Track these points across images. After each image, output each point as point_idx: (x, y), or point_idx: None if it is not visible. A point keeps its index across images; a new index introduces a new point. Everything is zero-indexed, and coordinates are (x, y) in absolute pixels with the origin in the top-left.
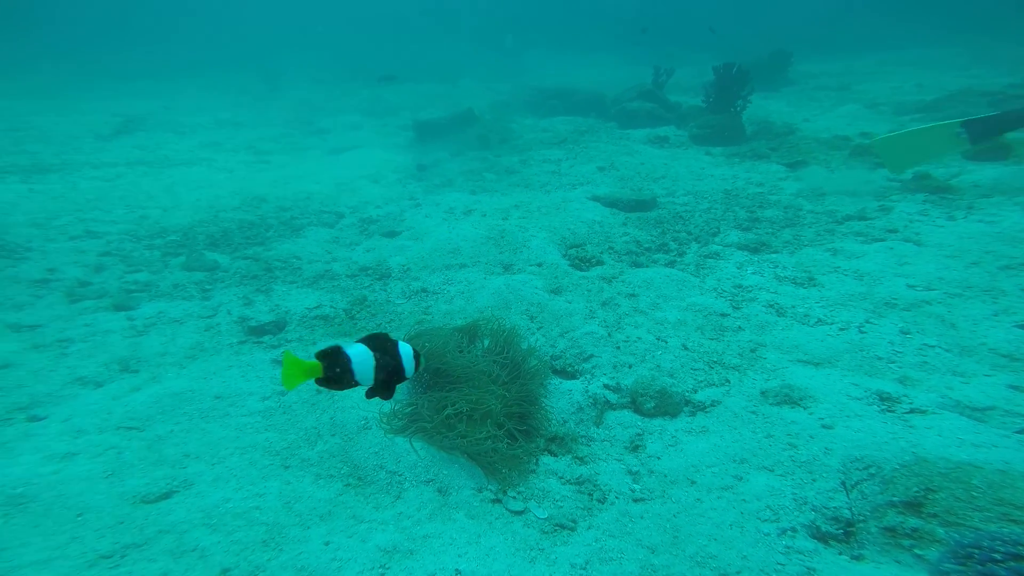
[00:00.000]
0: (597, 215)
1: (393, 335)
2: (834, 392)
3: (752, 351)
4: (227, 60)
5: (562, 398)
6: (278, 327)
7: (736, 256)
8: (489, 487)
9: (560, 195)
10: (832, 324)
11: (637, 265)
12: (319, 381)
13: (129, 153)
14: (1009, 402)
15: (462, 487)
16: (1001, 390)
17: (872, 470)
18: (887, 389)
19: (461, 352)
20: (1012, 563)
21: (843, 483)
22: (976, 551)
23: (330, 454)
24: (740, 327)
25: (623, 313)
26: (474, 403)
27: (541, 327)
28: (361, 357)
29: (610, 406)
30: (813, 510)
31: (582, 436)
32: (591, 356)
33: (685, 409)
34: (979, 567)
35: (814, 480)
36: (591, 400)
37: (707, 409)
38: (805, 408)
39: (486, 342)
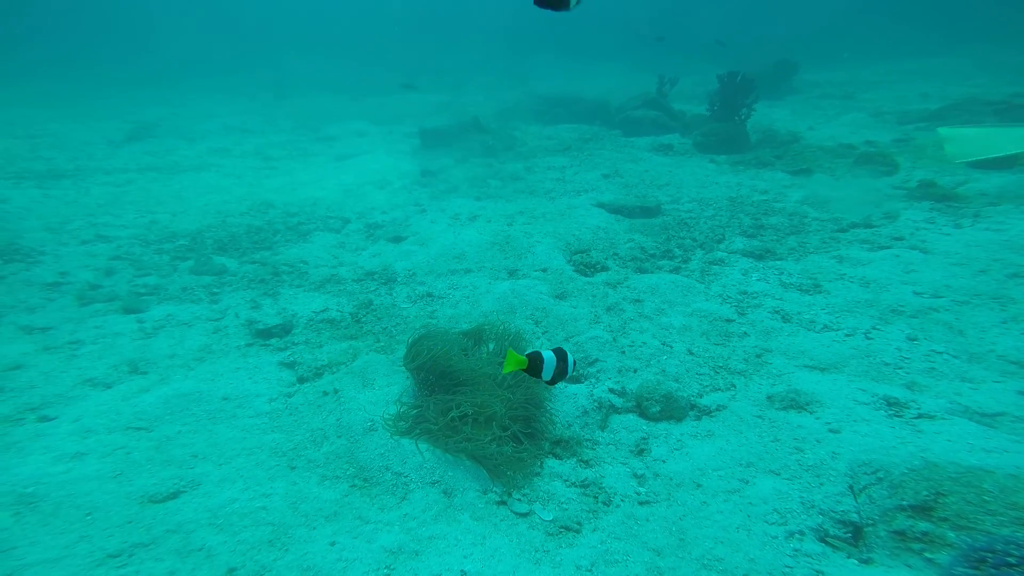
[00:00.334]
0: (602, 221)
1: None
2: (841, 397)
3: (758, 356)
4: (236, 67)
5: (567, 402)
6: (285, 330)
7: (741, 263)
8: (494, 489)
9: (565, 202)
10: (838, 330)
11: (642, 271)
12: (524, 369)
13: (140, 159)
14: (1020, 408)
15: (467, 489)
16: (1011, 396)
17: (880, 474)
18: (895, 394)
19: (466, 355)
20: None
21: (851, 487)
22: (990, 555)
23: (336, 455)
24: (746, 333)
25: (628, 318)
26: (479, 406)
27: (546, 331)
28: (549, 359)
29: (615, 410)
30: (821, 514)
31: (587, 440)
32: (596, 360)
33: (691, 413)
34: (993, 571)
35: (821, 484)
36: (596, 404)
37: (713, 413)
38: (812, 413)
39: (491, 346)
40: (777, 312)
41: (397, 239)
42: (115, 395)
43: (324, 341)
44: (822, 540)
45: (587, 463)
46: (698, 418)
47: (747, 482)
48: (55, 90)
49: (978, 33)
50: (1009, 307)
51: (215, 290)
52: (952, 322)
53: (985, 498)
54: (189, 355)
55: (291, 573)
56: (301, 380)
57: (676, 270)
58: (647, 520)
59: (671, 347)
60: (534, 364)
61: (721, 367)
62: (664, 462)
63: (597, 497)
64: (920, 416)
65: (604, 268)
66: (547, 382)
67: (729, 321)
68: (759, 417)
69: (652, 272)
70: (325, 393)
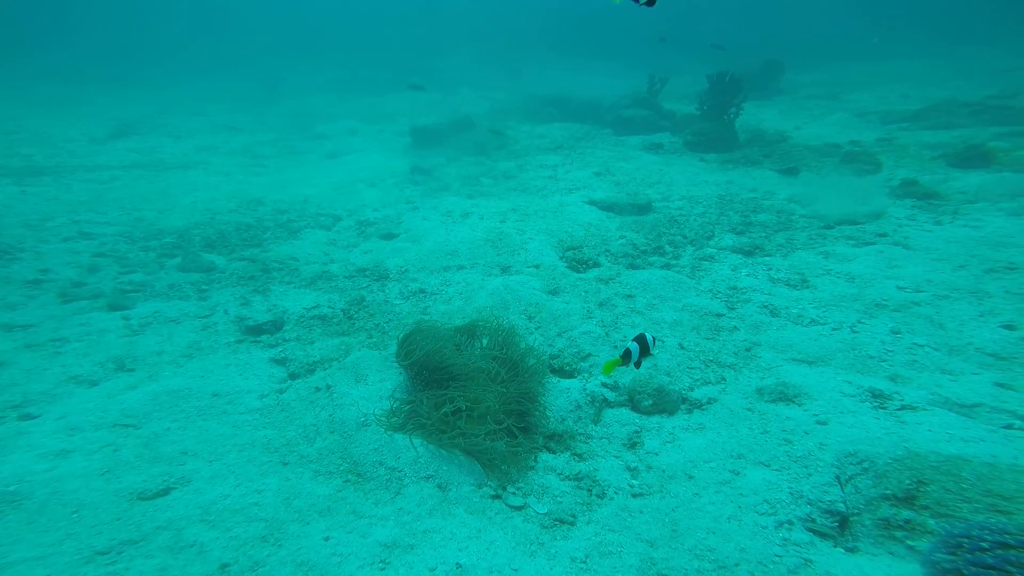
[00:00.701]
0: (594, 218)
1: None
2: (828, 389)
3: (747, 350)
4: (227, 69)
5: (560, 396)
6: (276, 326)
7: (731, 259)
8: (489, 483)
9: (557, 199)
10: (825, 324)
11: (634, 267)
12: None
13: (124, 156)
14: (996, 399)
15: (462, 483)
16: (988, 387)
17: (866, 464)
18: (879, 386)
19: (459, 350)
20: (999, 551)
21: (837, 477)
22: (966, 540)
23: (329, 451)
24: (735, 327)
25: (620, 313)
26: (473, 401)
27: (539, 327)
28: (634, 346)
29: (608, 404)
30: (809, 504)
31: (580, 433)
32: (589, 355)
33: (682, 407)
34: (968, 556)
35: (809, 475)
36: (589, 398)
37: (704, 406)
38: (800, 405)
39: (484, 341)
40: (766, 307)
41: (389, 236)
42: (101, 392)
43: (316, 337)
44: (810, 530)
45: (581, 456)
46: (689, 411)
47: (738, 473)
48: (34, 88)
49: (954, 34)
50: (985, 301)
51: (204, 287)
52: (933, 316)
53: (963, 486)
54: (177, 352)
55: (285, 568)
56: (293, 376)
57: (667, 266)
58: (640, 512)
59: (663, 341)
60: (626, 356)
61: (712, 361)
62: (657, 455)
63: (591, 490)
64: (903, 407)
65: (596, 264)
66: (635, 362)
67: (719, 316)
68: (749, 410)
69: (643, 268)
70: (317, 389)
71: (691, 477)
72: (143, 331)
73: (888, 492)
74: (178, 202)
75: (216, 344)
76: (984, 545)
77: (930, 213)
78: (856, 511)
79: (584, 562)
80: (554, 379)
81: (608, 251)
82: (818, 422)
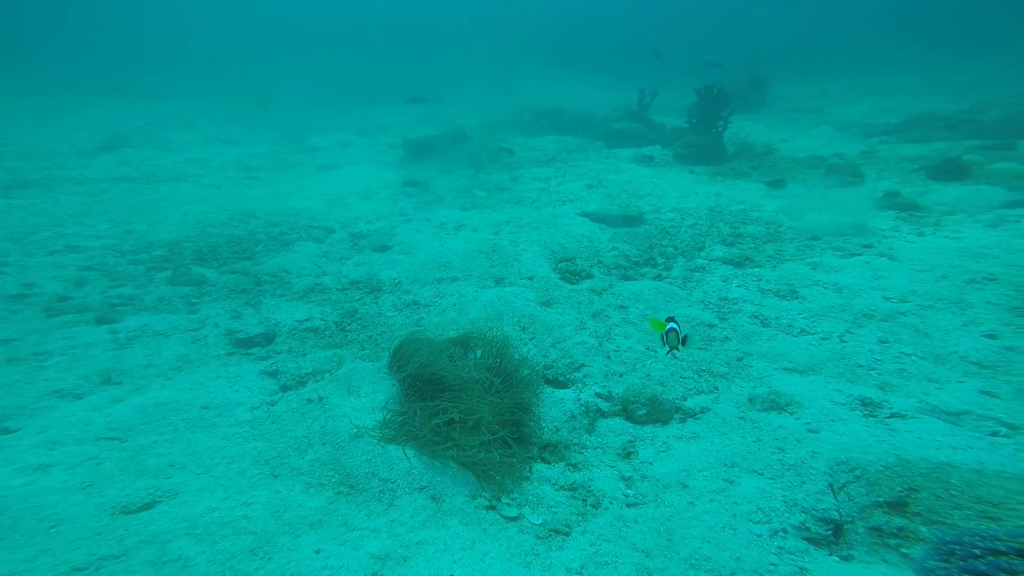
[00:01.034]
0: (586, 230)
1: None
2: (819, 398)
3: (739, 360)
4: (219, 81)
5: (555, 406)
6: (267, 339)
7: (721, 270)
8: (483, 494)
9: (550, 211)
10: (815, 334)
11: (626, 278)
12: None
13: (113, 169)
14: (982, 406)
15: (456, 494)
16: (974, 395)
17: (858, 472)
18: (869, 395)
19: (453, 361)
20: (991, 558)
21: (831, 485)
22: (958, 547)
23: (321, 463)
24: (727, 337)
25: (613, 324)
26: (466, 411)
27: (533, 338)
28: (672, 325)
29: (602, 414)
30: (803, 512)
31: (575, 443)
32: (582, 365)
33: (676, 416)
34: (961, 563)
35: (803, 483)
36: (583, 408)
37: (697, 416)
38: (792, 414)
39: (478, 352)
40: (756, 317)
41: (382, 248)
42: (85, 406)
43: (308, 350)
44: (805, 538)
45: (575, 467)
46: (683, 420)
47: (732, 482)
48: (24, 99)
49: (932, 46)
50: (968, 311)
51: (194, 300)
52: (919, 325)
53: (953, 492)
54: (166, 365)
55: None
56: (284, 388)
57: (659, 277)
58: (635, 522)
59: (656, 352)
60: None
61: (704, 370)
62: (651, 464)
63: (586, 500)
64: (893, 415)
65: (589, 276)
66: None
67: (711, 326)
68: (742, 418)
69: (636, 279)
70: (309, 401)
71: (685, 486)
72: (131, 344)
73: (881, 499)
74: (168, 215)
75: (206, 357)
76: (976, 552)
77: (912, 224)
78: (850, 519)
79: (579, 573)
80: (548, 389)
81: (601, 262)
82: (810, 430)
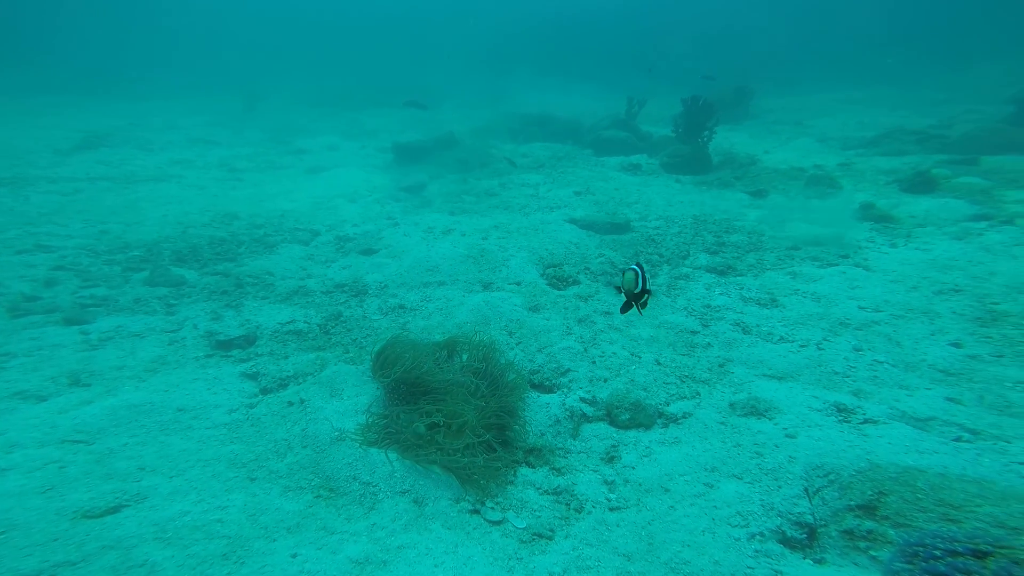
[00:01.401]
0: (574, 237)
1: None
2: (796, 404)
3: (720, 366)
4: (205, 82)
5: (540, 411)
6: (248, 341)
7: (705, 278)
8: (467, 498)
9: (538, 217)
10: (793, 342)
11: (612, 285)
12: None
13: (91, 168)
14: (947, 413)
15: (439, 498)
16: (940, 402)
17: (832, 476)
18: (843, 401)
19: (439, 365)
20: (949, 559)
21: (806, 489)
22: (921, 549)
23: (300, 466)
24: (709, 344)
25: (599, 330)
26: (451, 415)
27: (520, 343)
28: (633, 266)
29: (586, 419)
30: (779, 515)
31: (559, 448)
32: (568, 370)
33: (658, 421)
34: (923, 564)
35: (780, 487)
36: (568, 413)
37: (679, 421)
38: (770, 419)
39: (464, 357)
40: (738, 324)
41: (369, 252)
42: (51, 408)
43: (290, 352)
44: (781, 542)
45: (559, 471)
46: (665, 425)
47: (712, 486)
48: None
49: (900, 64)
50: (936, 321)
51: (172, 301)
52: (891, 334)
53: (919, 496)
54: (140, 366)
55: None
56: (264, 391)
57: None
58: (617, 526)
59: (640, 357)
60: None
61: (687, 376)
62: (633, 468)
63: (569, 504)
64: (866, 421)
65: (576, 282)
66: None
67: (694, 333)
68: (722, 424)
69: None
70: (290, 403)
71: (667, 490)
72: (103, 346)
73: (852, 503)
74: (147, 215)
75: (183, 359)
76: (937, 553)
77: (886, 236)
78: (823, 522)
79: None
80: (534, 394)
81: (588, 269)
82: (787, 436)
